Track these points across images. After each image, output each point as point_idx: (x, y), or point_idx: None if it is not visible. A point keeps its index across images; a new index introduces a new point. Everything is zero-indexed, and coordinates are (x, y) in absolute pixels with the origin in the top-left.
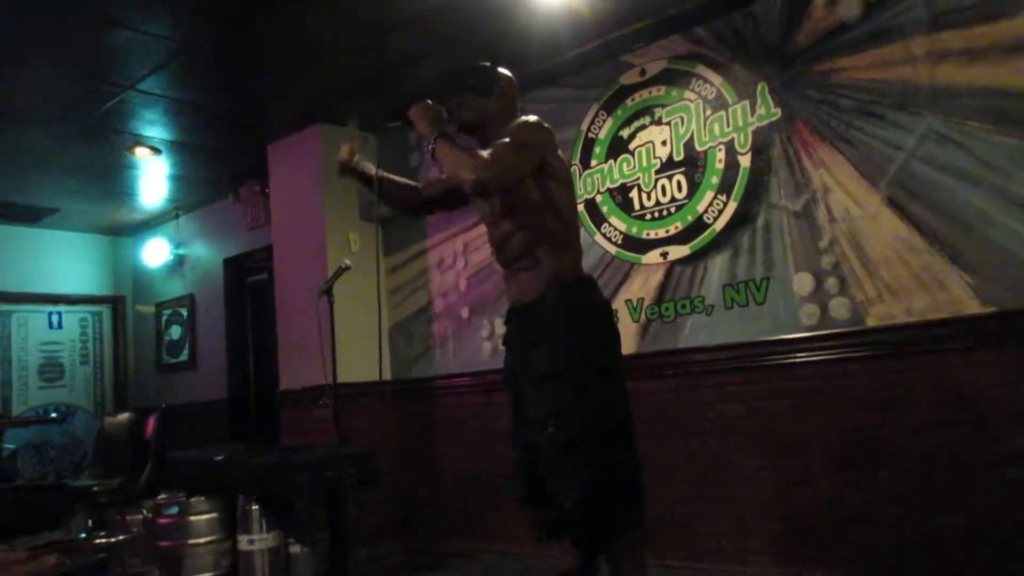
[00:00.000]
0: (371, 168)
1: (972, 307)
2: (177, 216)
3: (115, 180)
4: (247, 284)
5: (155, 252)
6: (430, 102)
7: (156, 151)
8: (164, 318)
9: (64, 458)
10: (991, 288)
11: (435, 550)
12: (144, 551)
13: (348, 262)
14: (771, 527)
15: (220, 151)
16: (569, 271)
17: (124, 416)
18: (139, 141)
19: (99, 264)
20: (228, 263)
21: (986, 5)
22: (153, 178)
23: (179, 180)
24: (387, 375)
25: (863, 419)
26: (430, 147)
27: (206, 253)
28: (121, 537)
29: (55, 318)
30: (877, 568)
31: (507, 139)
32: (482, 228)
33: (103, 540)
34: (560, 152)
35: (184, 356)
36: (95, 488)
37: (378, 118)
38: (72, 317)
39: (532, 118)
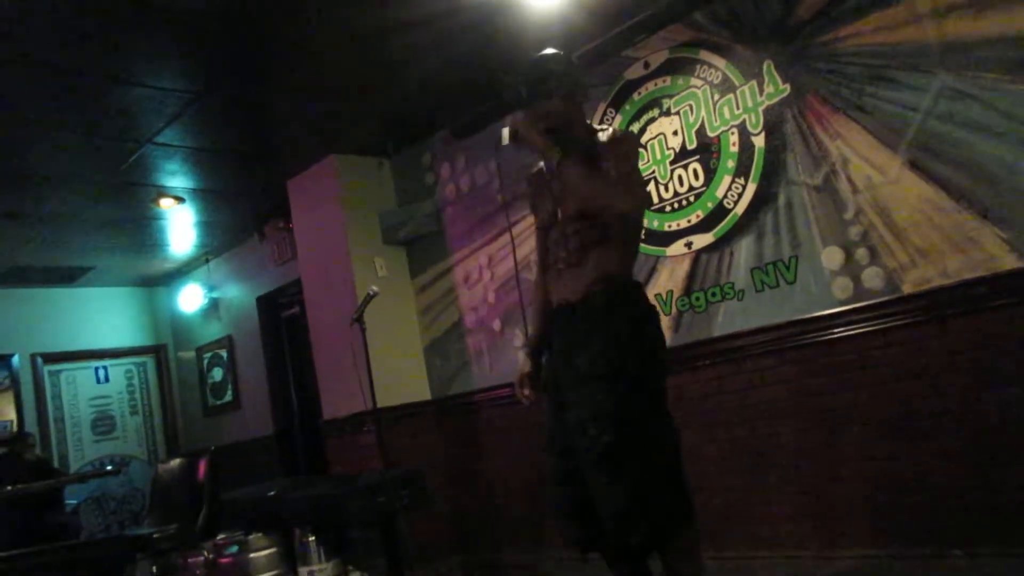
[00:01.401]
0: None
1: (1009, 262)
2: (207, 261)
3: (144, 232)
4: (281, 319)
5: (190, 298)
6: (530, 113)
7: (180, 200)
8: (205, 361)
9: (124, 509)
10: None
11: (493, 563)
12: None
13: (375, 288)
14: (827, 507)
15: (241, 193)
16: (622, 274)
17: (176, 462)
18: (162, 192)
19: (138, 316)
20: (261, 301)
21: None
22: (180, 226)
23: (205, 226)
24: (427, 394)
25: (909, 388)
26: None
27: (239, 293)
28: None
29: (102, 373)
30: (940, 536)
31: (629, 162)
32: (504, 239)
33: None
34: None
35: (228, 397)
36: (155, 535)
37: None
38: (118, 370)
39: (628, 133)
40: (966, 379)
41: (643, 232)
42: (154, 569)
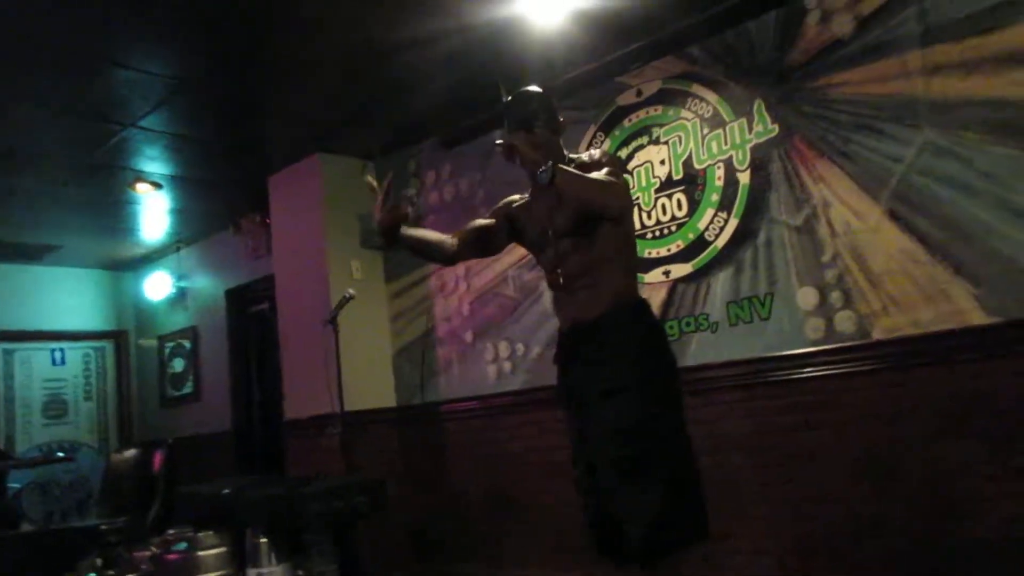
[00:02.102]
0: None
1: (978, 317)
2: (178, 249)
3: (116, 216)
4: (250, 314)
5: (157, 285)
6: (529, 132)
7: (157, 186)
8: (167, 351)
9: (69, 496)
10: (996, 298)
11: (448, 575)
12: None
13: (352, 291)
14: (785, 543)
15: (220, 184)
16: (631, 291)
17: (130, 452)
18: (140, 177)
19: (101, 299)
20: (230, 294)
21: (978, 18)
22: (154, 212)
23: (180, 214)
24: (392, 401)
25: (873, 432)
26: (543, 176)
27: (208, 285)
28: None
29: (58, 355)
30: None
31: (608, 170)
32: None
33: None
34: None
35: (188, 388)
36: (103, 528)
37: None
38: (75, 353)
39: (605, 150)
40: (928, 428)
41: (635, 239)
42: (99, 562)
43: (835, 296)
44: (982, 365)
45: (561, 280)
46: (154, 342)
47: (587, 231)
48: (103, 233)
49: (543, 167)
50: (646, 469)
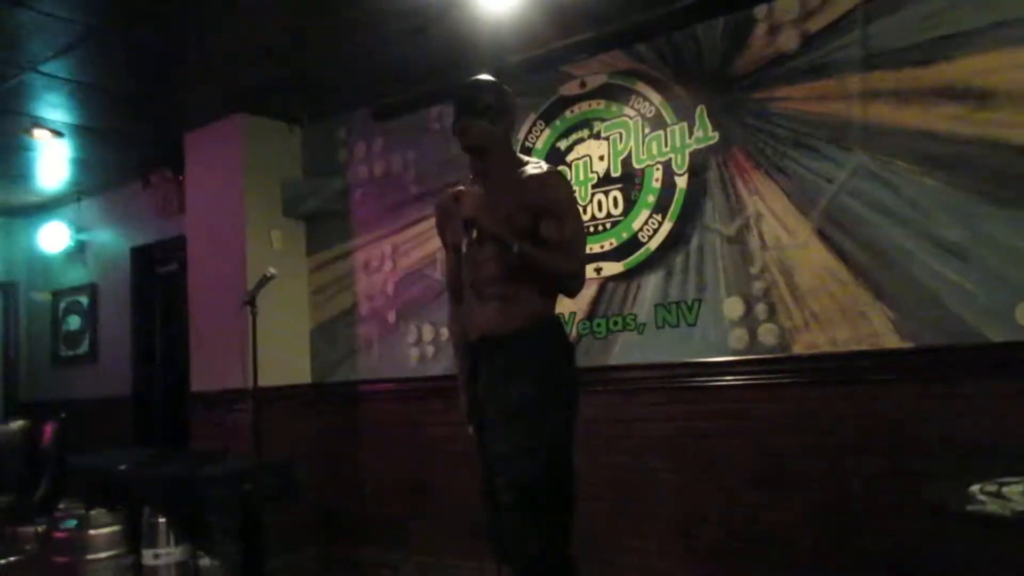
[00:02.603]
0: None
1: (893, 341)
2: (79, 199)
3: (9, 161)
4: (156, 275)
5: (53, 236)
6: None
7: (58, 134)
8: (62, 307)
9: None
10: (911, 324)
11: (355, 559)
12: (38, 569)
13: (273, 271)
14: (692, 544)
15: (130, 135)
16: (548, 307)
17: (18, 424)
18: (39, 123)
19: None
20: (136, 252)
21: (917, 49)
22: (53, 160)
23: (83, 163)
24: (307, 378)
25: (786, 443)
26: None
27: (111, 240)
28: (12, 558)
29: None
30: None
31: (572, 220)
32: (412, 232)
33: None
34: None
35: (84, 348)
36: None
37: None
38: None
39: (566, 177)
40: (839, 443)
41: None
42: None
43: (760, 308)
44: (892, 387)
45: (472, 285)
46: (48, 296)
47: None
48: None
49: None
50: (532, 500)
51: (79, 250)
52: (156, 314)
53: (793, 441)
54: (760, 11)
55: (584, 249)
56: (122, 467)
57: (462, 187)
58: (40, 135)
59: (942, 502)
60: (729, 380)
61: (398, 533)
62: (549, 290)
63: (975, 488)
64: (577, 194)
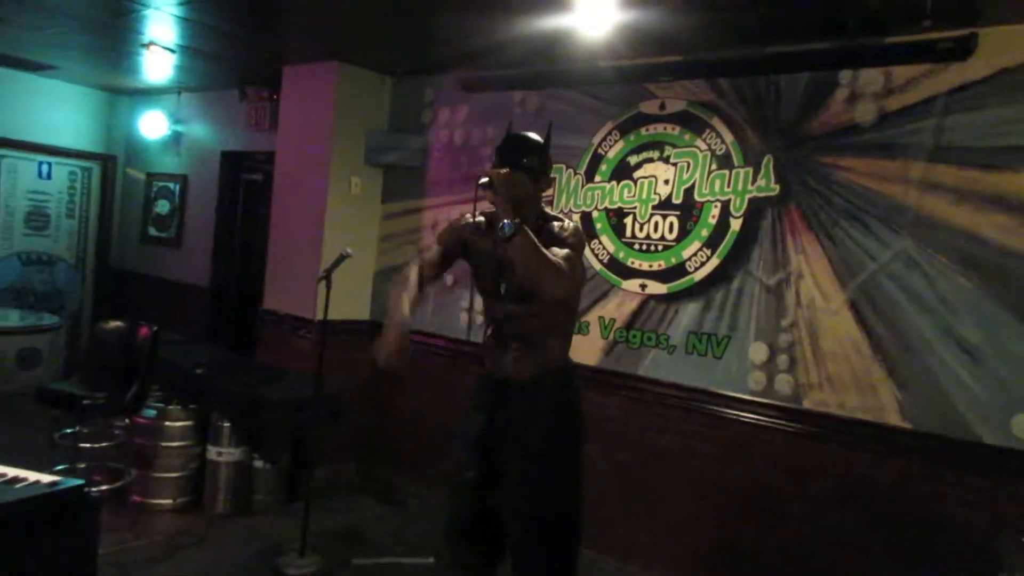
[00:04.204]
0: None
1: (894, 418)
2: (179, 93)
3: (119, 59)
4: (242, 180)
5: (153, 123)
6: (519, 174)
7: (171, 52)
8: (155, 189)
9: (43, 305)
10: (914, 407)
11: (386, 480)
12: (122, 449)
13: (350, 250)
14: (676, 546)
15: (232, 59)
16: (562, 358)
17: (116, 325)
18: (154, 43)
19: (94, 120)
20: (225, 155)
21: (985, 152)
22: (161, 65)
23: (186, 70)
24: (366, 315)
25: (779, 483)
26: (506, 228)
27: (205, 138)
28: (104, 444)
29: (45, 168)
30: None
31: (570, 249)
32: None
33: (88, 445)
34: None
35: (171, 233)
36: (85, 401)
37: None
38: (62, 169)
39: (578, 226)
40: (822, 493)
41: (577, 310)
42: (79, 428)
43: (782, 359)
44: (884, 459)
45: (497, 336)
46: (143, 176)
47: (536, 298)
48: (105, 61)
49: (510, 221)
50: (546, 541)
51: (174, 140)
52: (238, 215)
53: (787, 483)
54: (845, 76)
55: (575, 269)
56: (199, 371)
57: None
58: (154, 51)
59: None
60: (742, 415)
61: (426, 468)
62: (565, 339)
63: None
64: (637, 210)
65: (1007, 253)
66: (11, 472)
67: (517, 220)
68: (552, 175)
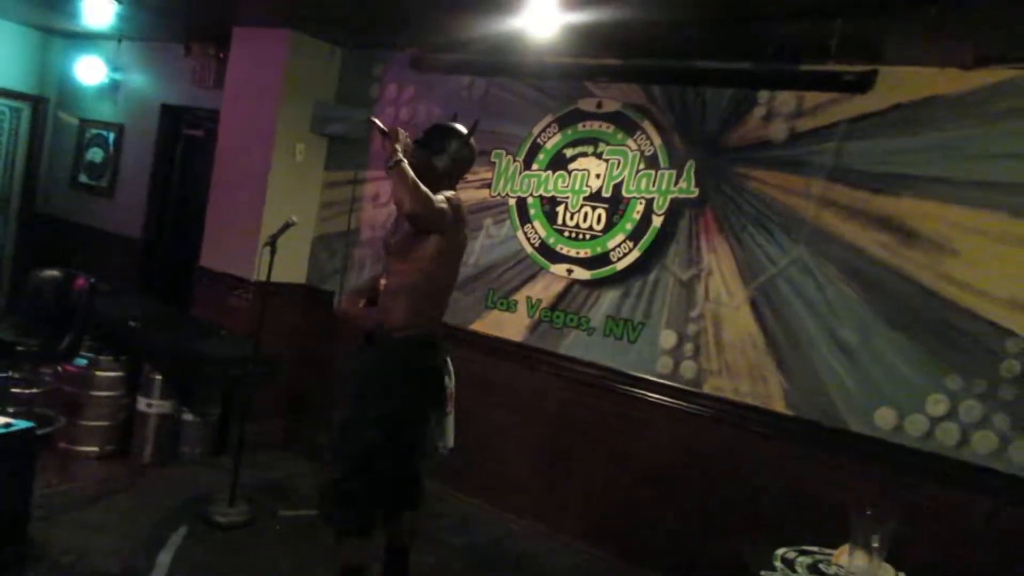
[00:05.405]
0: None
1: (780, 405)
2: (119, 41)
3: (60, 2)
4: (182, 135)
5: (90, 69)
6: (422, 151)
7: (116, 2)
8: (88, 136)
9: None
10: (797, 396)
11: (311, 438)
12: (52, 397)
13: (295, 218)
14: (585, 510)
15: (179, 13)
16: (408, 322)
17: (52, 273)
18: None
19: (26, 60)
20: (166, 108)
21: (875, 177)
22: (103, 13)
23: (130, 20)
24: (302, 280)
25: (675, 457)
26: (390, 163)
27: (144, 89)
28: (34, 390)
29: None
30: (655, 560)
31: (442, 197)
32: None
33: (21, 391)
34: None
35: (103, 183)
36: (19, 348)
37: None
38: None
39: (459, 199)
40: (714, 470)
41: (441, 288)
42: (9, 373)
43: (688, 347)
44: (769, 441)
45: (381, 288)
46: (76, 121)
47: (404, 254)
48: (41, 5)
49: (395, 158)
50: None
51: (112, 88)
52: (176, 170)
53: (683, 458)
54: (763, 95)
55: (433, 205)
56: (132, 323)
57: None
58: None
59: (748, 558)
60: (649, 395)
61: None
62: (417, 307)
63: (780, 551)
64: (569, 200)
65: (884, 267)
66: None
67: (399, 156)
68: (457, 157)
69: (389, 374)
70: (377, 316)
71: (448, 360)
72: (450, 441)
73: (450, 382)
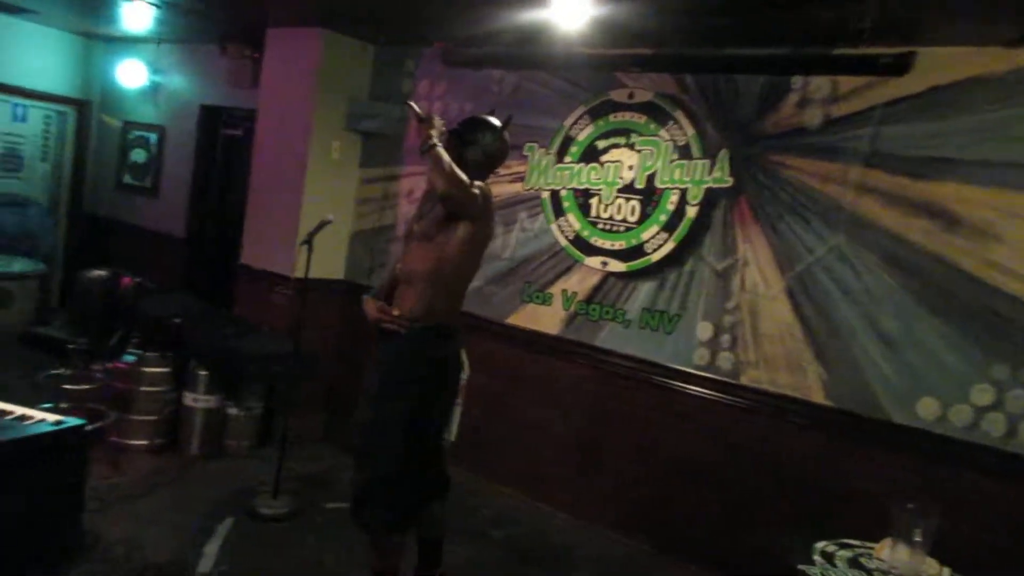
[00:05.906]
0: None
1: (819, 397)
2: (159, 43)
3: (102, 8)
4: (220, 136)
5: (131, 72)
6: (453, 141)
7: (155, 6)
8: (130, 137)
9: (14, 246)
10: (837, 388)
11: (349, 430)
12: (103, 393)
13: (331, 216)
14: (620, 503)
15: (214, 15)
16: (434, 313)
17: (98, 273)
18: None
19: (70, 65)
20: (204, 109)
21: (914, 162)
22: (142, 18)
23: (166, 23)
24: (340, 274)
25: (712, 449)
26: (424, 146)
27: (183, 90)
28: (85, 386)
29: (20, 111)
30: (692, 552)
31: (478, 185)
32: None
33: (70, 387)
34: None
35: (147, 183)
36: (69, 345)
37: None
38: (37, 113)
39: (488, 189)
40: (751, 462)
41: (463, 278)
42: (63, 370)
43: (725, 338)
44: (807, 432)
45: (399, 273)
46: (118, 124)
47: (430, 237)
48: (83, 12)
49: (429, 142)
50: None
51: (152, 90)
52: (216, 170)
53: (717, 451)
54: (797, 81)
55: (467, 189)
56: (177, 320)
57: None
58: (138, 4)
59: (785, 551)
60: (687, 387)
61: None
62: (442, 294)
63: (819, 545)
64: (602, 192)
65: (925, 254)
66: (17, 410)
67: (434, 140)
68: (490, 149)
69: (409, 366)
70: (399, 321)
71: (463, 352)
72: (453, 433)
73: (463, 375)
